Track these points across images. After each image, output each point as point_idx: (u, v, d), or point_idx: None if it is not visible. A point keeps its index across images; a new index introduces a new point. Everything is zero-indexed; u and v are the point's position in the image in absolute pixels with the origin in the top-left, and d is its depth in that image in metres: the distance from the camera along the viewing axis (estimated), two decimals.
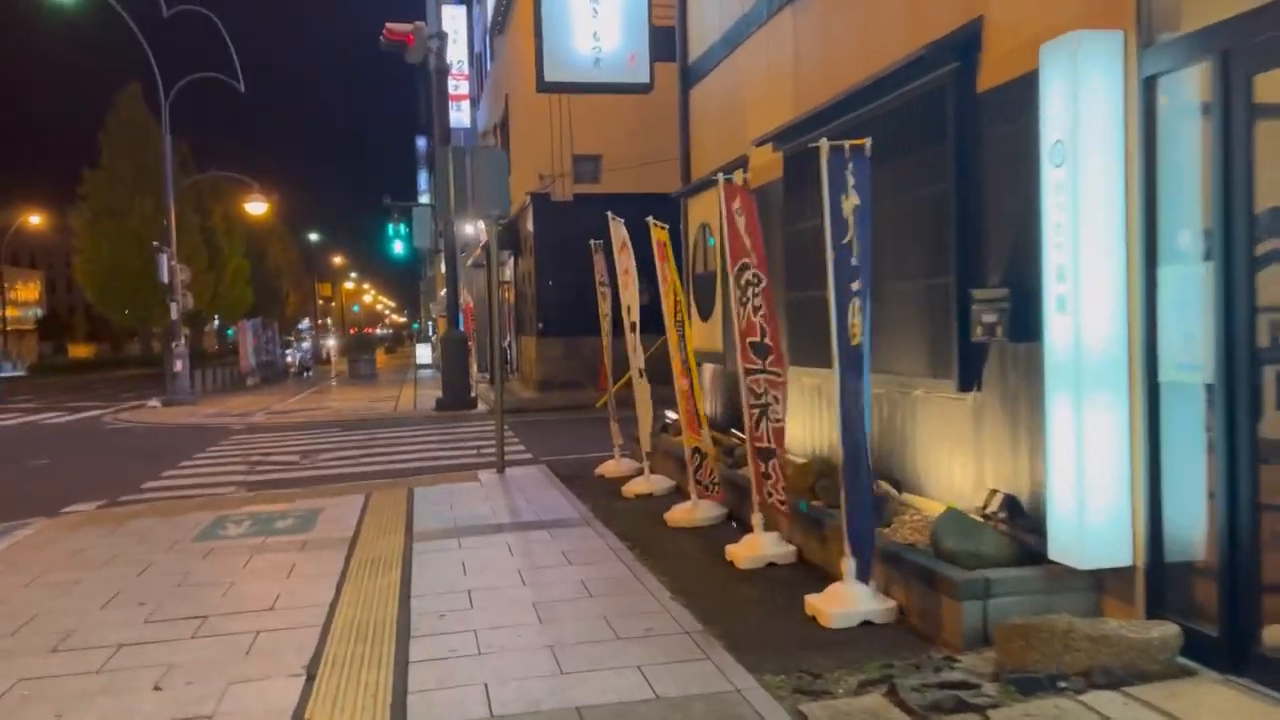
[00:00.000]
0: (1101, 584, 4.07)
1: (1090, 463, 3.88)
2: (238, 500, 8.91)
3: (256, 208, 26.10)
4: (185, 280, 24.11)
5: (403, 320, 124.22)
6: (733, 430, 8.95)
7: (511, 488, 8.97)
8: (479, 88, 31.10)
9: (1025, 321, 4.40)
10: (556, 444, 12.84)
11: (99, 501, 9.51)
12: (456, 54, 30.08)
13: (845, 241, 4.36)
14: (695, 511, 6.94)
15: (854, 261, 4.33)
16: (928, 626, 4.31)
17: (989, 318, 4.62)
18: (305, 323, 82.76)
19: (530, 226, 20.10)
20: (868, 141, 4.21)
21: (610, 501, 8.13)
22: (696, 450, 6.92)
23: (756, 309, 5.52)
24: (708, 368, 9.97)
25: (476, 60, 31.47)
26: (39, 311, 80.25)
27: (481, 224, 25.01)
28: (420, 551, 6.44)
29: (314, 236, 79.44)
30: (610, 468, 9.47)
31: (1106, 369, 3.86)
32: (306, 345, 49.58)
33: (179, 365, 22.96)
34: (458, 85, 28.28)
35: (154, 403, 23.02)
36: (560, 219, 19.40)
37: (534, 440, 13.14)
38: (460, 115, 30.41)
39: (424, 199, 49.05)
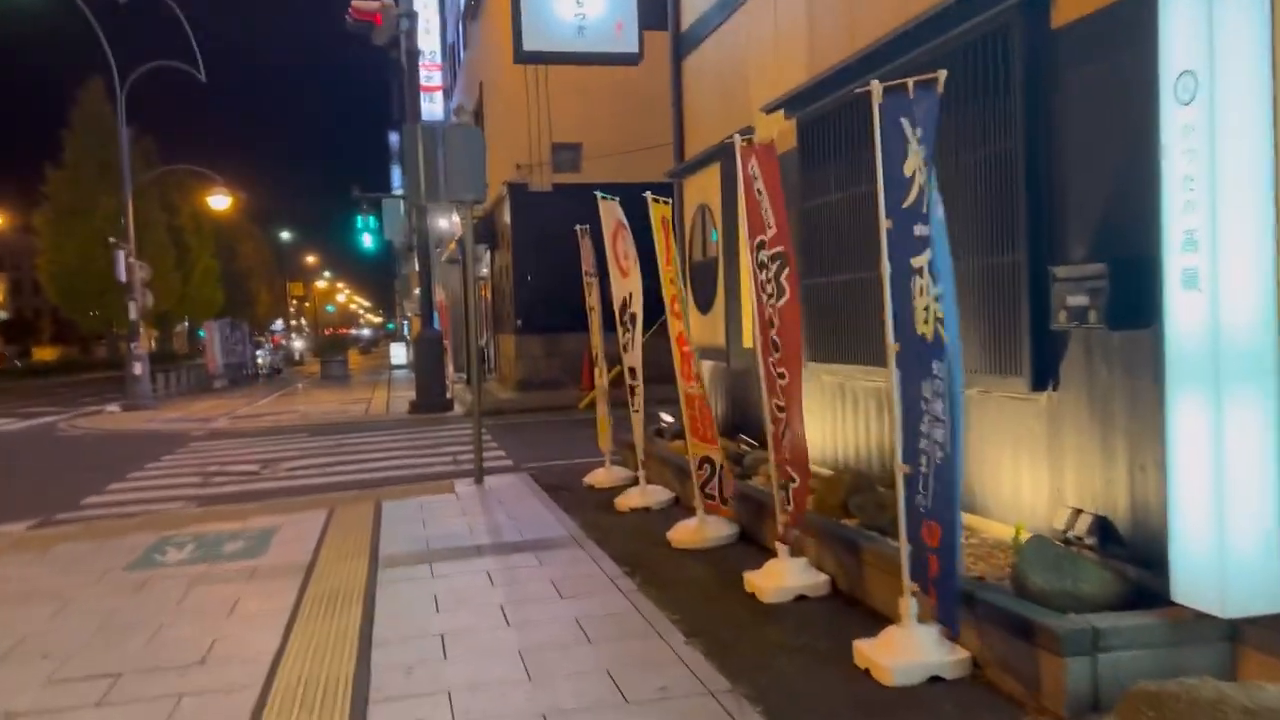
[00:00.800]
0: (1239, 634, 3.24)
1: (1234, 479, 3.04)
2: (184, 518, 7.96)
3: (220, 202, 24.96)
4: (145, 279, 22.98)
5: (378, 320, 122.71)
6: (741, 436, 8.09)
7: (491, 500, 8.07)
8: (452, 79, 30.09)
9: (1130, 302, 3.56)
10: (539, 449, 11.94)
11: (30, 521, 8.52)
12: (429, 44, 29.07)
13: (907, 206, 3.50)
14: (703, 530, 6.06)
15: (919, 231, 3.47)
16: (1014, 685, 3.46)
17: (1077, 300, 3.77)
18: (279, 324, 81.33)
19: (507, 218, 19.16)
20: (941, 75, 3.34)
21: (602, 516, 7.24)
22: (706, 460, 6.04)
23: (780, 293, 4.65)
24: (707, 365, 9.10)
25: (449, 52, 30.45)
26: (3, 314, 78.27)
27: (456, 217, 24.03)
28: (387, 581, 5.54)
29: (286, 235, 77.99)
30: (600, 477, 8.58)
31: (1255, 358, 3.03)
32: (277, 348, 48.30)
33: (138, 368, 21.84)
34: (430, 76, 27.29)
35: (113, 408, 21.89)
36: (539, 210, 18.47)
37: (515, 445, 12.23)
38: (433, 107, 29.38)
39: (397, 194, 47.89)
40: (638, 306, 7.37)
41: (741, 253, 6.21)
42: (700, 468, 6.06)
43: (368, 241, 18.40)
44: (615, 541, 6.30)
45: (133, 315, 22.43)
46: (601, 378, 8.73)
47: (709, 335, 8.69)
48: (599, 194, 7.52)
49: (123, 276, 22.03)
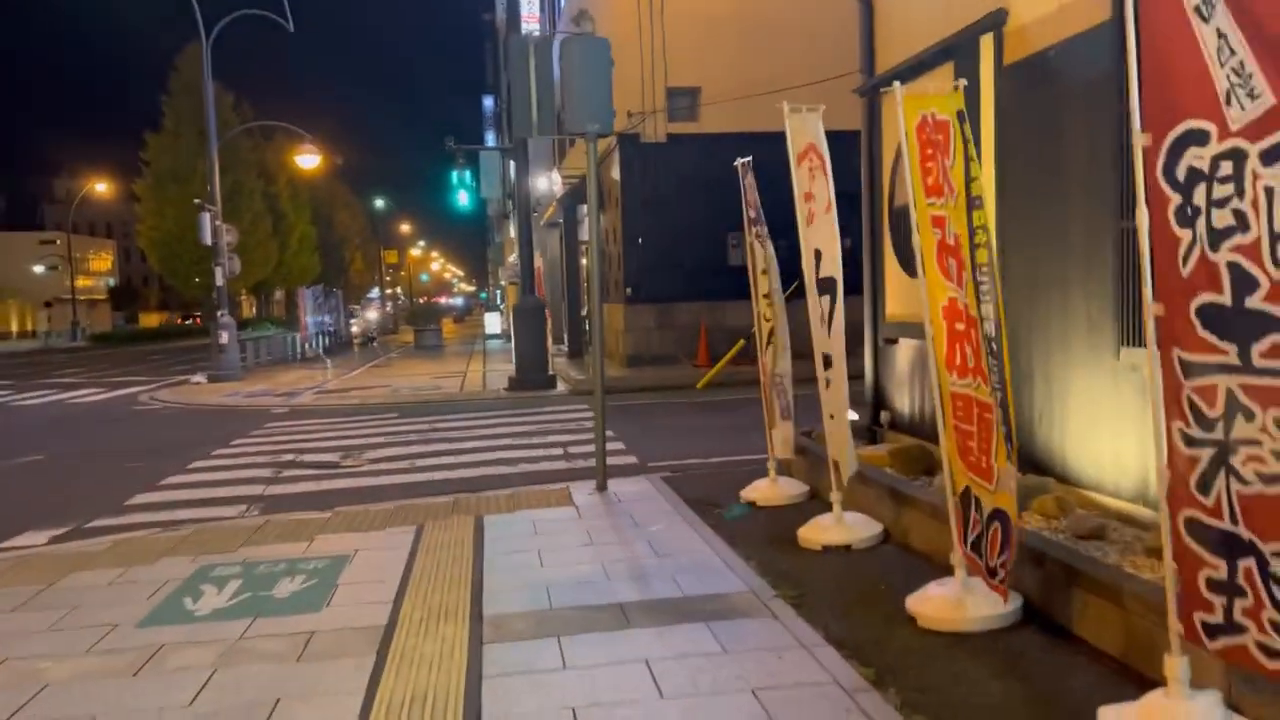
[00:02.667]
0: None
1: None
2: (238, 534, 6.27)
3: (309, 160, 23.64)
4: (232, 242, 21.85)
5: (471, 289, 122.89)
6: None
7: (623, 519, 6.17)
8: (551, 30, 28.17)
9: None
10: (665, 440, 10.01)
11: (59, 529, 6.97)
12: None
13: None
14: (964, 604, 4.01)
15: None
16: None
17: None
18: (374, 292, 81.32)
19: (616, 174, 17.19)
20: None
21: (785, 555, 5.25)
22: (975, 499, 3.96)
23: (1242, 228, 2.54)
24: (905, 345, 7.01)
25: (547, 5, 28.56)
26: (111, 281, 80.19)
27: (557, 175, 22.21)
28: (497, 674, 3.67)
29: (380, 202, 77.61)
30: (764, 490, 6.57)
31: None
32: (373, 315, 47.65)
33: (224, 337, 20.66)
34: (529, 8, 25.21)
35: (198, 378, 20.82)
36: (652, 164, 16.46)
37: (634, 434, 10.33)
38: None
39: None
40: (835, 266, 5.31)
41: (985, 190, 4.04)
42: (969, 508, 4.00)
43: (463, 199, 16.68)
44: (823, 606, 4.31)
45: (218, 281, 21.29)
46: (768, 356, 6.68)
47: (909, 306, 6.60)
48: (785, 105, 5.45)
49: (207, 239, 20.90)
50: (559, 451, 9.53)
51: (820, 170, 5.19)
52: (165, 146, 47.72)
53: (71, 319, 61.43)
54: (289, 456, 9.82)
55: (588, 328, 22.35)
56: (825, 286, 5.40)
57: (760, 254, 6.52)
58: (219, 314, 21.12)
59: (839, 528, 5.34)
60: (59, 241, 64.32)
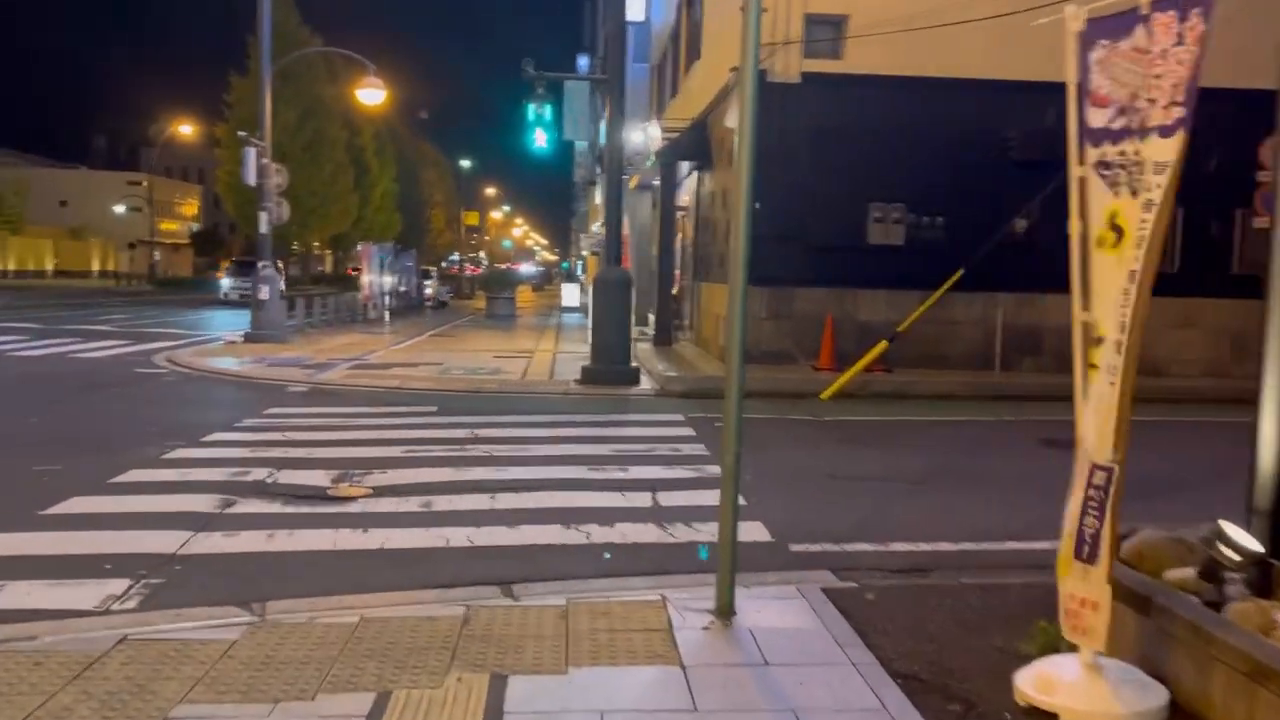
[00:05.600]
0: None
1: None
2: (110, 663, 3.30)
3: (373, 96, 20.79)
4: (280, 184, 19.19)
5: (554, 258, 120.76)
6: None
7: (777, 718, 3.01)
8: None
9: None
10: (803, 488, 6.81)
11: None
12: None
13: None
14: None
15: None
16: None
17: None
18: (455, 255, 79.32)
19: (733, 120, 13.86)
20: None
21: None
22: None
23: None
24: None
25: None
26: (195, 226, 79.75)
27: (655, 130, 18.95)
28: None
29: (467, 163, 75.43)
30: (1067, 688, 3.24)
31: None
32: (436, 280, 45.12)
33: (264, 292, 18.03)
34: None
35: (234, 336, 18.28)
36: (778, 110, 13.13)
37: (752, 469, 7.16)
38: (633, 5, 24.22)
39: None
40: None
41: None
42: None
43: (540, 140, 13.54)
44: None
45: (263, 228, 18.68)
46: (1099, 410, 3.37)
47: None
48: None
49: (251, 178, 18.29)
50: (645, 500, 6.38)
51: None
52: (247, 90, 45.93)
53: (149, 262, 60.69)
54: (263, 473, 6.88)
55: (687, 310, 19.11)
56: None
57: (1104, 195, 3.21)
58: (260, 265, 18.48)
59: None
60: (145, 184, 63.52)
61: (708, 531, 5.55)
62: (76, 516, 5.64)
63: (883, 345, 11.44)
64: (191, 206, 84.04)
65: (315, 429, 8.80)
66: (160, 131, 63.45)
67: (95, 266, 68.57)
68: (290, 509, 5.94)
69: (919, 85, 13.09)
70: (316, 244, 60.83)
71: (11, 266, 59.11)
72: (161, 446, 7.71)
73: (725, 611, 4.01)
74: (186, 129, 57.10)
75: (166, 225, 74.13)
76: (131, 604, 4.26)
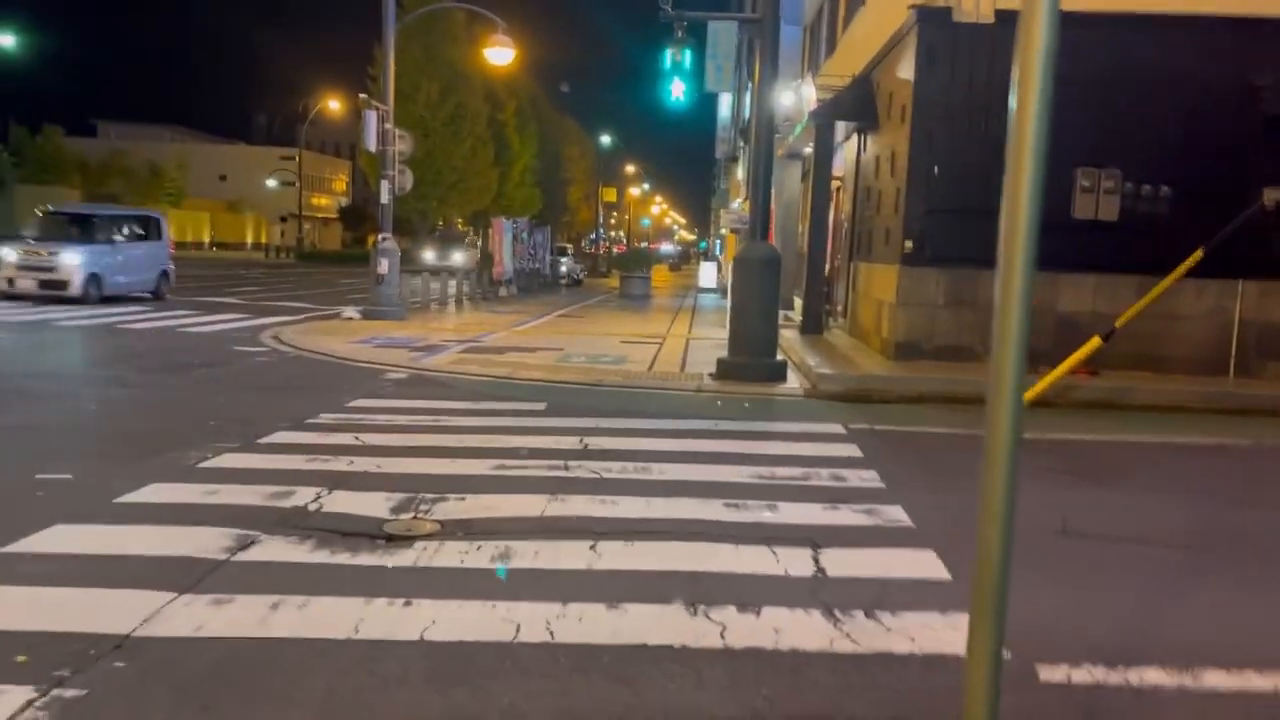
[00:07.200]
0: None
1: None
2: None
3: (502, 55, 19.38)
4: (404, 151, 18.08)
5: (692, 237, 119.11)
6: None
7: None
8: None
9: None
10: (1034, 564, 4.69)
11: None
12: None
13: None
14: None
15: None
16: None
17: None
18: (597, 233, 78.53)
19: (907, 72, 11.71)
20: None
21: None
22: None
23: None
24: None
25: None
26: (344, 201, 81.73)
27: (809, 90, 16.82)
28: None
29: (606, 139, 74.27)
30: None
31: None
32: (572, 259, 44.10)
33: (384, 265, 16.98)
34: None
35: (351, 312, 17.31)
36: (965, 57, 10.92)
37: (940, 509, 5.23)
38: None
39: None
40: None
41: None
42: None
43: (677, 91, 11.70)
44: None
45: (383, 198, 17.68)
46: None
47: None
48: None
49: (371, 144, 17.23)
50: (805, 563, 4.53)
51: None
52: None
53: (297, 235, 62.13)
54: (311, 493, 5.40)
55: (840, 295, 16.85)
56: None
57: None
58: (380, 238, 17.44)
59: None
60: (295, 158, 65.09)
61: (902, 631, 3.70)
62: (32, 559, 4.23)
63: (1095, 342, 9.17)
64: (341, 181, 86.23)
65: (397, 429, 7.33)
66: (310, 107, 64.91)
67: (249, 239, 70.99)
68: (320, 556, 4.39)
69: (1143, 23, 10.62)
70: (459, 220, 60.85)
71: (171, 237, 61.63)
72: (205, 450, 6.35)
73: None
74: (335, 104, 57.91)
75: (317, 199, 76.11)
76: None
